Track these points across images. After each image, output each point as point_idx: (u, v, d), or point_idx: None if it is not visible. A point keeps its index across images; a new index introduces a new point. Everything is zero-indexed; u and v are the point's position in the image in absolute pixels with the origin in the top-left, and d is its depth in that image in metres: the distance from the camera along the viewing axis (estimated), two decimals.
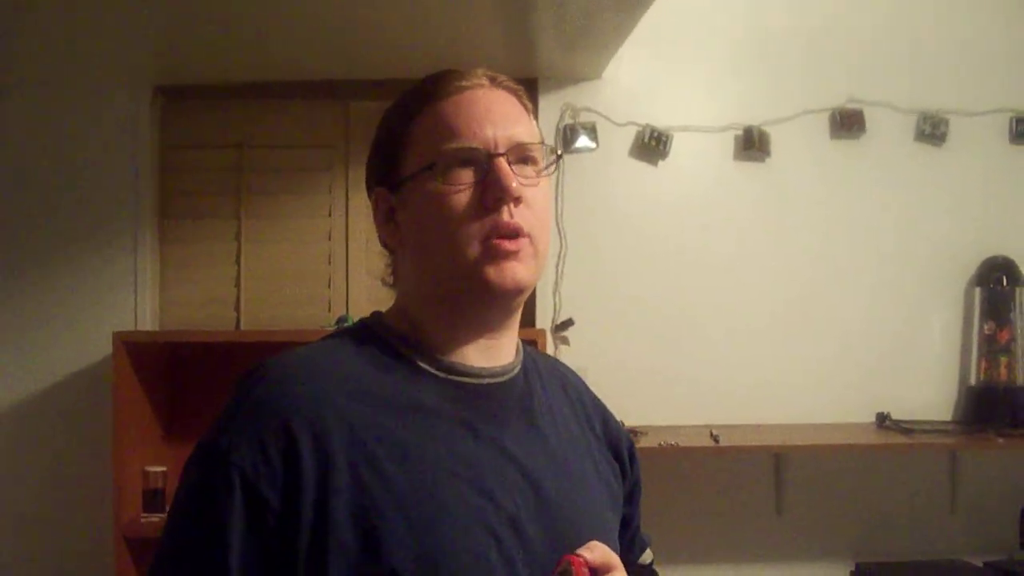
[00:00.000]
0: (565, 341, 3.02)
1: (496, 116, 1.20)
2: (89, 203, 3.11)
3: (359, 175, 3.10)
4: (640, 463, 1.44)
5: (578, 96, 3.07)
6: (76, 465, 2.99)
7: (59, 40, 2.70)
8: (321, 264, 3.16)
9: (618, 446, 1.40)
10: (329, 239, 3.15)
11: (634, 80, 3.07)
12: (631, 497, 1.43)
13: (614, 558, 1.16)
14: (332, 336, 1.27)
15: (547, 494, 1.19)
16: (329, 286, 3.15)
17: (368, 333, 1.24)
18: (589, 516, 1.25)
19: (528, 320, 3.04)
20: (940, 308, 3.12)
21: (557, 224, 3.02)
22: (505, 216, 1.15)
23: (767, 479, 3.02)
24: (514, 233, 1.16)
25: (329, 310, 3.13)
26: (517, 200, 1.16)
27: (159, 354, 2.98)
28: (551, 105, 3.07)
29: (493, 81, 1.24)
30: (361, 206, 3.12)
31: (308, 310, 3.10)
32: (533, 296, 3.00)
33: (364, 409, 1.12)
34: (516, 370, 1.27)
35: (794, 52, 3.10)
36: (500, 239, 1.15)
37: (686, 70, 3.10)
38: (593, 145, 3.05)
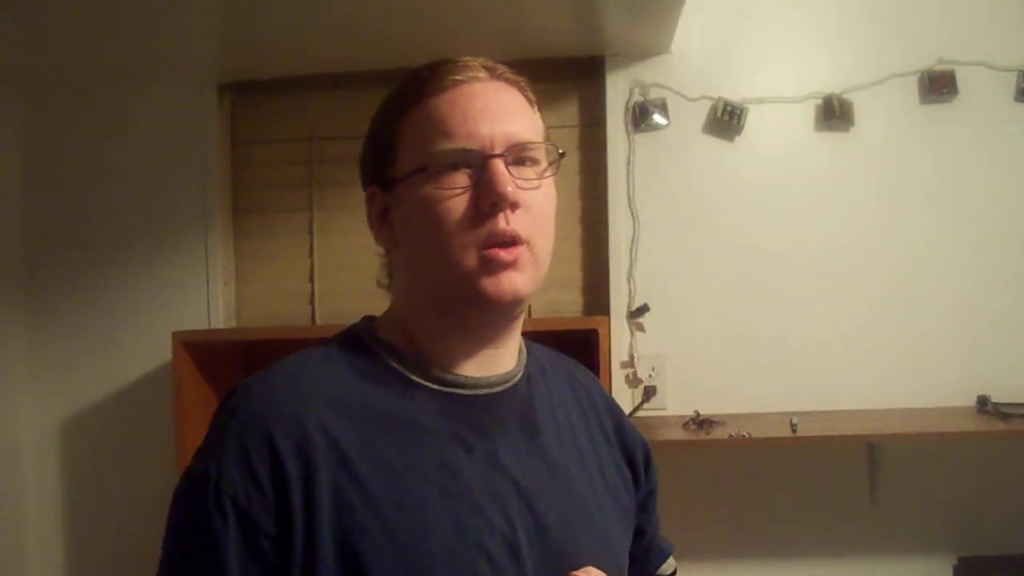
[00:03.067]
0: (640, 328, 2.90)
1: (494, 112, 1.13)
2: (159, 203, 3.12)
3: None
4: (654, 468, 1.37)
5: (647, 72, 2.93)
6: (142, 467, 3.01)
7: (127, 40, 2.69)
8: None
9: (632, 451, 1.33)
10: None
11: (705, 52, 2.92)
12: (645, 505, 1.35)
13: None
14: (321, 346, 1.20)
15: (545, 511, 1.12)
16: None
17: (357, 342, 1.19)
18: (592, 534, 1.18)
19: (601, 307, 2.94)
20: None
21: (629, 206, 2.91)
22: (501, 223, 1.10)
23: (856, 468, 2.85)
24: (511, 241, 1.10)
25: None
26: (514, 205, 1.10)
27: (231, 352, 2.96)
28: (619, 83, 2.94)
29: (492, 73, 1.17)
30: None
31: (384, 302, 3.03)
32: (606, 282, 2.91)
33: (350, 425, 1.08)
34: (517, 377, 1.21)
35: (876, 11, 2.89)
36: (496, 248, 1.10)
37: (760, 38, 2.92)
38: (664, 122, 2.91)
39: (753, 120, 2.89)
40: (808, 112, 2.89)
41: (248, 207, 3.18)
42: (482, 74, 1.15)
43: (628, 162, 2.92)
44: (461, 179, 1.10)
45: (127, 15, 2.48)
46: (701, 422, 2.73)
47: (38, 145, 3.18)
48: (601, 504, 1.23)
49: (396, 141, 1.15)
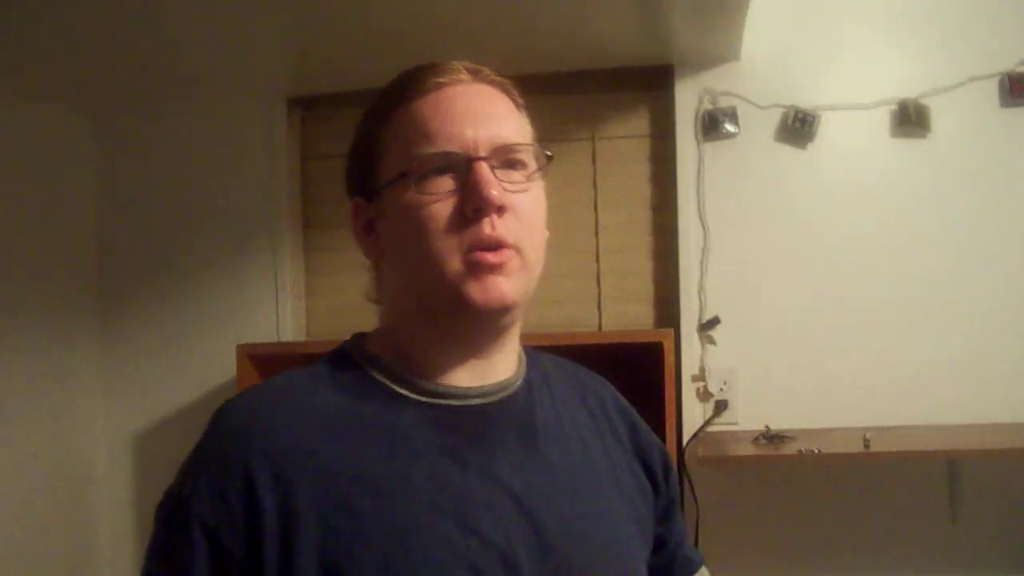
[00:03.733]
0: (711, 341, 2.85)
1: (477, 114, 1.09)
2: (229, 218, 3.15)
3: None
4: (673, 474, 1.32)
5: (717, 80, 2.88)
6: None
7: (197, 57, 2.71)
8: None
9: (649, 459, 1.28)
10: None
11: (775, 58, 2.86)
12: (666, 514, 1.30)
13: None
14: (308, 365, 1.18)
15: (548, 523, 1.08)
16: None
17: (346, 359, 1.16)
18: (602, 545, 1.13)
19: (672, 320, 2.90)
20: None
21: (699, 216, 2.86)
22: (486, 228, 1.05)
23: (934, 484, 2.76)
24: (496, 245, 1.06)
25: None
26: (500, 209, 1.06)
27: (301, 365, 2.96)
28: (688, 92, 2.90)
29: (475, 75, 1.13)
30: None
31: None
32: (676, 294, 2.87)
33: (336, 445, 1.05)
34: (516, 385, 1.17)
35: (952, 12, 2.81)
36: (481, 251, 1.06)
37: (831, 43, 2.85)
38: (735, 131, 2.86)
39: (825, 127, 2.83)
40: (883, 118, 2.82)
41: (318, 222, 3.19)
42: (464, 76, 1.12)
43: (698, 172, 2.88)
44: (445, 183, 1.06)
45: (197, 32, 2.50)
46: (771, 437, 2.68)
47: (111, 163, 3.23)
48: (613, 514, 1.18)
49: (379, 149, 1.12)
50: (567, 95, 3.01)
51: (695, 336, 2.88)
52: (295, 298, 3.14)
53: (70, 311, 3.13)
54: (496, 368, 1.15)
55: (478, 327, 1.11)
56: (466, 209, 1.05)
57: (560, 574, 1.07)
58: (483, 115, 1.09)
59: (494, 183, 1.06)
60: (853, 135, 2.83)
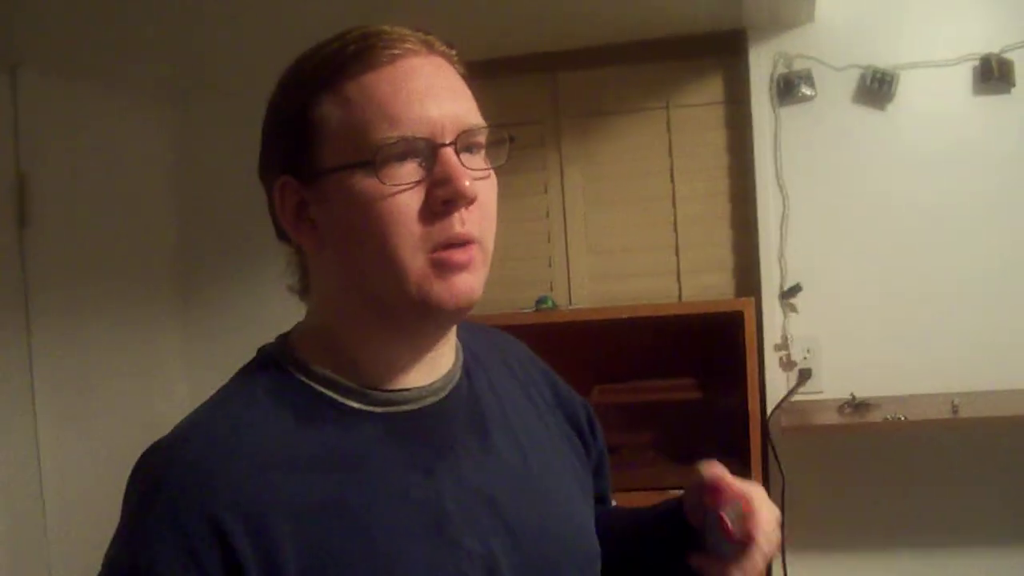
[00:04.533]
0: (793, 309, 2.81)
1: (440, 93, 0.98)
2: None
3: (572, 149, 2.99)
4: (598, 426, 1.28)
5: (791, 43, 2.83)
6: None
7: (270, 38, 2.72)
8: (540, 243, 3.08)
9: (575, 414, 1.24)
10: (547, 216, 3.07)
11: (850, 18, 2.79)
12: (600, 468, 1.26)
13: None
14: (235, 384, 1.06)
15: (517, 517, 1.05)
16: (550, 265, 3.07)
17: (279, 373, 1.04)
18: (563, 522, 1.11)
19: (752, 289, 2.87)
20: None
21: (778, 182, 2.82)
22: (456, 225, 0.96)
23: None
24: (464, 242, 0.97)
25: (551, 289, 3.04)
26: (470, 201, 0.97)
27: None
28: (763, 56, 2.84)
29: (429, 47, 1.01)
30: (578, 180, 3.03)
31: (527, 292, 3.02)
32: (756, 262, 2.83)
33: (300, 479, 0.94)
34: (457, 376, 1.10)
35: None
36: (450, 250, 0.96)
37: None
38: (811, 93, 2.81)
39: (905, 86, 2.76)
40: (964, 74, 2.74)
41: None
42: (419, 47, 0.99)
43: (775, 137, 2.83)
44: (407, 172, 0.95)
45: (267, 15, 2.51)
46: (857, 405, 2.64)
47: (189, 149, 3.28)
48: (564, 486, 1.15)
49: (318, 124, 0.98)
50: (640, 64, 2.98)
51: (777, 304, 2.84)
52: None
53: (153, 294, 3.19)
54: (442, 360, 1.08)
55: (436, 325, 1.04)
56: (434, 202, 0.96)
57: (531, 566, 1.04)
58: (446, 94, 0.98)
59: (466, 173, 0.96)
60: (933, 94, 2.76)
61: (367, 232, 0.96)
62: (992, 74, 2.70)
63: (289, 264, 1.11)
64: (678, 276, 2.96)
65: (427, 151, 0.96)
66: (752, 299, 2.69)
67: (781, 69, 2.83)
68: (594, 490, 1.24)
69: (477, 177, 0.98)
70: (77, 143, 2.85)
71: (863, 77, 2.78)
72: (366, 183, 0.95)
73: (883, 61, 2.77)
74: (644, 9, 2.66)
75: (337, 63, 0.98)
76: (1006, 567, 2.74)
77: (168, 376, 3.23)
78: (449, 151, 0.96)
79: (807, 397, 2.79)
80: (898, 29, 2.78)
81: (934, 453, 2.75)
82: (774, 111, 2.83)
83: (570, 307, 3.00)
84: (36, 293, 2.64)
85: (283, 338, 1.10)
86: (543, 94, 3.08)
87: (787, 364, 2.82)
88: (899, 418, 2.47)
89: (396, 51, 0.97)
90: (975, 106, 2.74)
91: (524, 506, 1.06)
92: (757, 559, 1.05)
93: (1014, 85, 2.71)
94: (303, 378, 1.03)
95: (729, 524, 1.05)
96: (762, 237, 2.84)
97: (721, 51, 2.93)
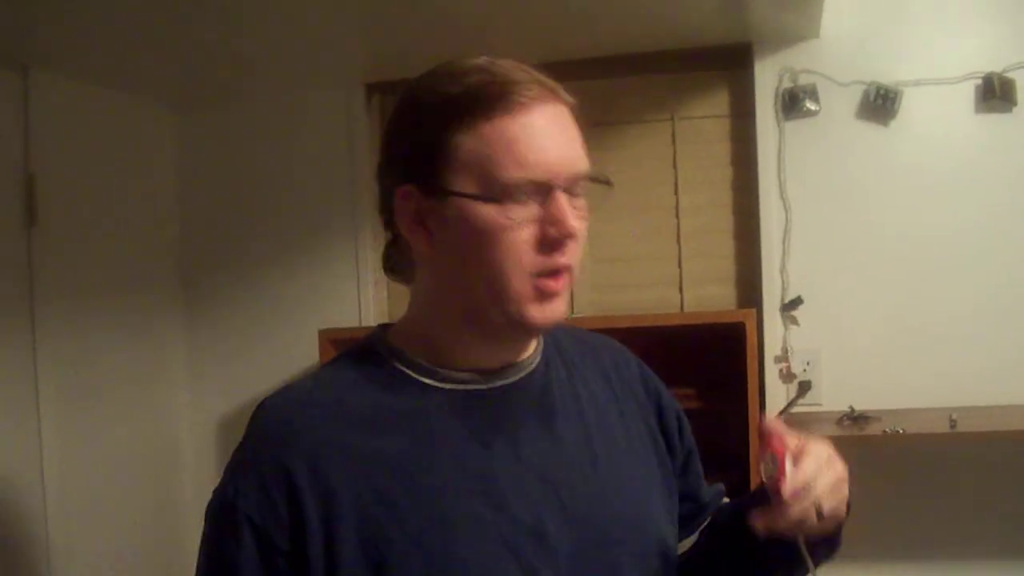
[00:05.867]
0: (794, 321, 2.83)
1: (560, 141, 1.12)
2: (310, 204, 3.21)
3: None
4: (687, 428, 1.38)
5: (796, 58, 2.85)
6: None
7: (274, 43, 2.75)
8: None
9: (667, 422, 1.34)
10: None
11: (855, 35, 2.81)
12: (686, 467, 1.36)
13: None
14: (334, 360, 1.25)
15: (573, 497, 1.17)
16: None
17: (370, 353, 1.21)
18: (626, 511, 1.20)
19: (753, 301, 2.89)
20: None
21: (781, 195, 2.84)
22: (562, 258, 1.11)
23: (1022, 465, 2.71)
24: (563, 271, 1.12)
25: None
26: (574, 237, 1.12)
27: None
28: (768, 70, 2.87)
29: (555, 94, 1.13)
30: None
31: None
32: (758, 275, 2.85)
33: (367, 437, 1.11)
34: (535, 364, 1.23)
35: None
36: (549, 278, 1.11)
37: (912, 17, 2.79)
38: (815, 108, 2.83)
39: (908, 103, 2.78)
40: (967, 92, 2.76)
41: None
42: (547, 94, 1.11)
43: (779, 151, 2.86)
44: (529, 210, 1.09)
45: (276, 22, 2.53)
46: (856, 418, 2.66)
47: (192, 152, 3.31)
48: (632, 480, 1.24)
49: (449, 153, 1.10)
50: (646, 75, 3.01)
51: (778, 317, 2.86)
52: (376, 283, 3.17)
53: (156, 299, 3.22)
54: (520, 354, 1.22)
55: (526, 337, 1.21)
56: (544, 237, 1.09)
57: (585, 542, 1.14)
58: (566, 142, 1.12)
59: (573, 213, 1.10)
60: (936, 111, 2.78)
61: (483, 256, 1.10)
62: (994, 93, 2.72)
63: (387, 248, 1.25)
64: (680, 287, 2.98)
65: (543, 192, 1.09)
66: (753, 311, 2.70)
67: (786, 83, 2.85)
68: (682, 488, 1.34)
69: (580, 216, 1.12)
70: (86, 144, 2.88)
71: (867, 93, 2.80)
72: (489, 214, 1.08)
73: (887, 77, 2.79)
74: (651, 21, 2.68)
75: (472, 103, 1.09)
76: None
77: (171, 383, 3.26)
78: (562, 195, 1.10)
79: (807, 409, 2.80)
80: (902, 46, 2.80)
81: (932, 466, 2.76)
82: (778, 125, 2.86)
83: (572, 316, 3.01)
84: (42, 293, 2.67)
85: (382, 328, 1.25)
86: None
87: (787, 376, 2.84)
88: (897, 431, 2.48)
89: (526, 97, 1.09)
90: (977, 124, 2.76)
91: (580, 489, 1.17)
92: (786, 512, 1.09)
93: (1016, 104, 2.73)
94: (389, 359, 1.18)
95: (763, 474, 1.10)
96: (764, 250, 2.86)
97: (727, 64, 2.96)
